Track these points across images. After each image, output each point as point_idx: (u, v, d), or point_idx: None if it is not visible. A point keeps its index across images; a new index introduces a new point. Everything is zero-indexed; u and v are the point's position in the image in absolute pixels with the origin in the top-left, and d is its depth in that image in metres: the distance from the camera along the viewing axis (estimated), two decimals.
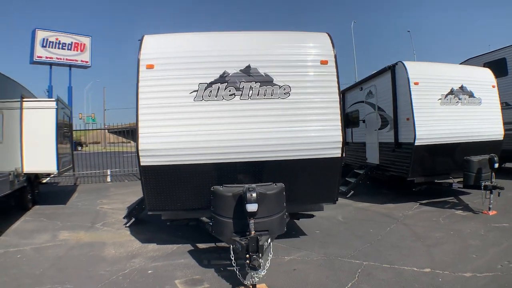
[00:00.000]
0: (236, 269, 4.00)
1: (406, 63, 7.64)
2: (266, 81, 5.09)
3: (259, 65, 5.12)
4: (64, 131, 9.92)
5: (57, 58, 24.80)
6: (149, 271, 4.68)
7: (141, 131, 5.01)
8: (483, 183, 6.71)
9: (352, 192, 9.30)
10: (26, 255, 5.34)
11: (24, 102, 7.83)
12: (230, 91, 5.06)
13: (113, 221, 7.48)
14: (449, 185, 7.96)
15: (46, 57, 24.15)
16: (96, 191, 11.68)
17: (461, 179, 7.34)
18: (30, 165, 7.76)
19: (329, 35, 5.44)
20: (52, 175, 12.14)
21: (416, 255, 4.88)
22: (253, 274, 3.82)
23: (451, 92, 7.65)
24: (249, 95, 5.06)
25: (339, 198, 8.66)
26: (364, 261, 4.68)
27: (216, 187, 4.36)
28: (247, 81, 5.08)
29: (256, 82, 5.08)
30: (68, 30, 26.94)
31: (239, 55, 5.15)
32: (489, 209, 6.77)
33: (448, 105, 7.61)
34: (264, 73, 5.12)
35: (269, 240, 4.11)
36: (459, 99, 7.66)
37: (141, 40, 5.30)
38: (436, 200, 8.20)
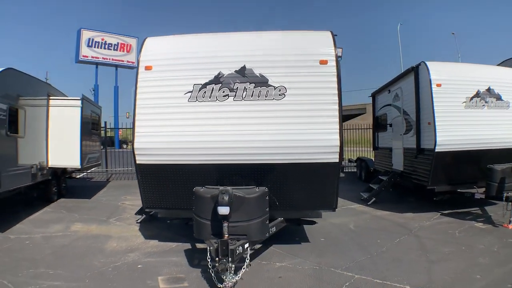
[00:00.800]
0: (212, 271, 3.95)
1: (429, 64, 7.06)
2: (261, 82, 4.97)
3: (255, 65, 5.01)
4: (92, 129, 10.48)
5: (103, 58, 26.14)
6: (139, 266, 4.80)
7: (137, 130, 5.14)
8: (505, 194, 6.07)
9: (373, 199, 8.83)
10: (34, 242, 5.74)
11: (50, 100, 8.40)
12: (224, 92, 5.01)
13: (128, 217, 7.75)
14: (472, 195, 7.34)
15: (92, 57, 25.60)
16: (124, 188, 12.19)
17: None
18: (55, 160, 8.29)
19: (332, 33, 5.17)
20: (87, 171, 12.96)
21: (415, 271, 4.48)
22: (225, 277, 3.75)
23: (477, 94, 6.97)
24: (243, 96, 4.97)
25: (358, 205, 8.58)
26: (356, 274, 4.39)
27: (197, 188, 4.35)
28: (242, 82, 5.00)
29: (250, 83, 4.98)
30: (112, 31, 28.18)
31: (235, 56, 5.08)
32: (510, 222, 6.19)
33: (473, 109, 6.95)
34: (259, 73, 5.00)
35: (246, 245, 4.01)
36: (486, 102, 6.95)
37: (142, 43, 5.43)
38: (459, 210, 7.55)
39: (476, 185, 7.16)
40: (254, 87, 4.97)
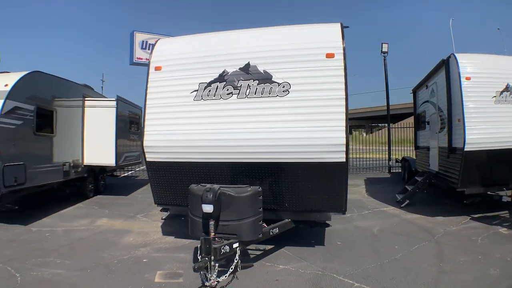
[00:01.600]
0: (209, 268, 3.83)
1: (458, 56, 6.43)
2: (265, 78, 4.87)
3: (259, 62, 4.93)
4: (130, 128, 11.04)
5: None
6: (145, 260, 4.91)
7: (146, 129, 5.31)
8: None
9: (407, 201, 8.26)
10: (55, 234, 6.11)
11: (86, 101, 9.00)
12: (228, 90, 4.98)
13: (155, 213, 7.90)
14: (500, 197, 6.78)
15: (146, 59, 26.88)
16: None
17: None
18: (90, 158, 8.85)
19: (341, 25, 4.90)
20: (125, 169, 13.62)
21: (420, 282, 4.07)
22: (210, 276, 3.69)
23: (507, 88, 6.23)
24: (246, 94, 4.90)
25: (391, 208, 8.08)
26: (356, 282, 4.09)
27: (192, 186, 4.35)
28: (246, 79, 4.94)
29: (254, 80, 4.90)
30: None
31: (239, 53, 5.03)
32: None
33: (503, 104, 6.23)
34: (263, 70, 4.90)
35: (234, 245, 3.92)
36: None
37: (155, 44, 5.61)
38: (488, 214, 6.91)
39: (506, 187, 6.43)
40: (258, 84, 4.88)
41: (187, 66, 5.23)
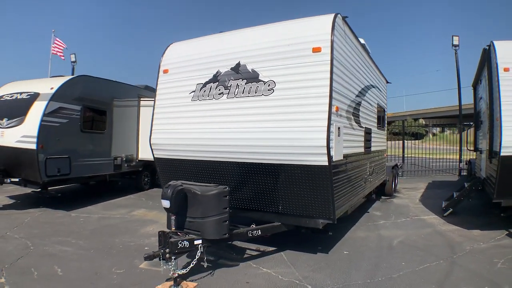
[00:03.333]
0: (162, 261, 3.95)
1: (497, 44, 5.32)
2: (252, 77, 4.79)
3: (248, 61, 4.88)
4: None
5: None
6: (146, 248, 5.26)
7: (153, 127, 5.73)
8: None
9: (450, 210, 7.22)
10: (88, 220, 6.95)
11: (141, 101, 9.95)
12: (219, 90, 5.05)
13: None
14: None
15: None
16: None
17: None
18: (144, 153, 9.74)
19: (335, 17, 4.48)
20: None
21: None
22: (170, 267, 3.85)
23: None
24: (235, 93, 4.90)
25: (433, 216, 7.25)
26: None
27: (171, 182, 4.51)
28: (235, 78, 4.93)
29: (243, 79, 4.87)
30: None
31: (231, 53, 5.05)
32: None
33: None
34: (252, 69, 4.83)
35: (196, 242, 3.97)
36: None
37: (166, 48, 5.95)
38: None
39: None
40: (246, 83, 4.83)
41: (188, 68, 5.45)
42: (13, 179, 7.28)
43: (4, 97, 7.95)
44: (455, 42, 12.17)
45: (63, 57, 17.35)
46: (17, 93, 7.77)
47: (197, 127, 5.18)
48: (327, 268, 4.58)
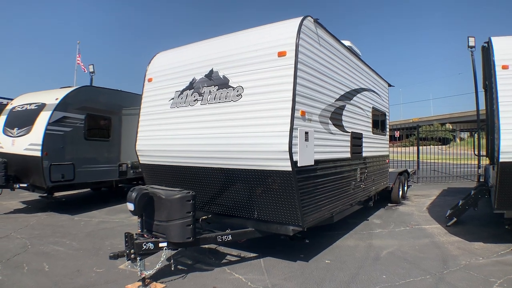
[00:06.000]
0: (130, 261, 4.10)
1: (494, 39, 4.95)
2: (223, 83, 4.85)
3: (220, 67, 4.95)
4: None
5: None
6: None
7: (139, 134, 5.94)
8: None
9: (454, 219, 6.79)
10: (88, 224, 7.26)
11: None
12: (194, 97, 5.15)
13: None
14: None
15: None
16: None
17: None
18: None
19: (304, 19, 4.42)
20: None
21: None
22: (137, 267, 4.03)
23: None
24: (208, 100, 4.97)
25: (435, 226, 6.97)
26: None
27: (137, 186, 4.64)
28: (208, 85, 5.02)
29: (215, 86, 4.94)
30: None
31: (205, 60, 5.14)
32: None
33: None
34: (223, 75, 4.89)
35: (161, 244, 4.07)
36: None
37: (152, 58, 6.16)
38: None
39: None
40: (217, 90, 4.89)
41: (169, 76, 5.62)
42: (21, 185, 7.82)
43: (16, 108, 8.59)
44: (471, 43, 11.54)
45: (85, 70, 18.40)
46: (27, 104, 8.37)
47: (175, 133, 5.30)
48: (301, 277, 4.47)
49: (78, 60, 18.46)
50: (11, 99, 9.50)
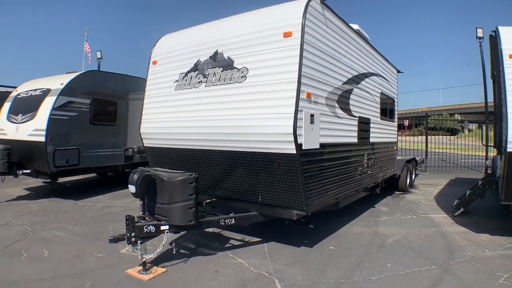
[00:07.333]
0: (131, 244, 4.03)
1: (501, 29, 4.83)
2: (228, 65, 4.74)
3: (225, 49, 4.84)
4: None
5: None
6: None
7: (143, 117, 5.88)
8: None
9: (461, 210, 6.65)
10: (91, 209, 7.24)
11: None
12: (198, 78, 5.05)
13: None
14: None
15: None
16: None
17: None
18: None
19: (310, 0, 4.29)
20: None
21: None
22: (138, 251, 3.97)
23: None
24: (212, 82, 4.87)
25: (442, 215, 6.81)
26: None
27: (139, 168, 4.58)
28: (213, 67, 4.91)
29: (219, 67, 4.83)
30: None
31: (210, 42, 5.04)
32: None
33: None
34: (228, 56, 4.78)
35: (163, 227, 4.02)
36: None
37: (157, 40, 6.05)
38: None
39: None
40: (222, 71, 4.79)
41: (173, 58, 5.52)
42: (25, 171, 7.80)
43: (21, 94, 8.56)
44: (479, 34, 11.25)
45: (90, 59, 18.39)
46: (32, 90, 8.32)
47: (179, 115, 5.23)
48: (304, 263, 4.41)
49: (86, 47, 18.44)
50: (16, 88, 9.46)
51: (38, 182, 9.44)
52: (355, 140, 5.79)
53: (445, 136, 18.81)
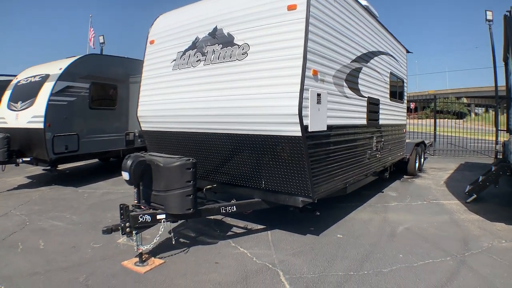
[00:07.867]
0: (127, 235, 3.82)
1: None
2: (228, 41, 4.42)
3: (224, 24, 4.50)
4: None
5: None
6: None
7: (140, 100, 5.61)
8: None
9: (474, 196, 6.35)
10: (91, 196, 7.08)
11: None
12: (197, 57, 4.75)
13: None
14: None
15: None
16: None
17: None
18: None
19: None
20: None
21: None
22: (133, 242, 3.77)
23: None
24: (211, 60, 4.57)
25: (454, 202, 6.58)
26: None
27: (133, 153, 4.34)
28: (212, 44, 4.60)
29: (219, 44, 4.51)
30: None
31: (208, 18, 4.70)
32: None
33: None
34: (227, 32, 4.45)
35: (159, 216, 3.78)
36: None
37: (155, 19, 5.72)
38: None
39: None
40: (221, 48, 4.47)
41: (171, 37, 5.21)
42: (25, 159, 7.63)
43: (21, 81, 8.33)
44: (489, 17, 10.79)
45: (93, 46, 18.07)
46: (31, 76, 8.09)
47: (176, 97, 4.95)
48: (310, 253, 4.17)
49: (91, 33, 18.11)
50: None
51: (39, 169, 9.30)
52: (364, 122, 5.47)
53: (453, 120, 18.37)
